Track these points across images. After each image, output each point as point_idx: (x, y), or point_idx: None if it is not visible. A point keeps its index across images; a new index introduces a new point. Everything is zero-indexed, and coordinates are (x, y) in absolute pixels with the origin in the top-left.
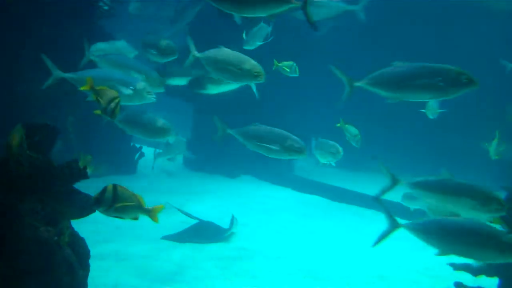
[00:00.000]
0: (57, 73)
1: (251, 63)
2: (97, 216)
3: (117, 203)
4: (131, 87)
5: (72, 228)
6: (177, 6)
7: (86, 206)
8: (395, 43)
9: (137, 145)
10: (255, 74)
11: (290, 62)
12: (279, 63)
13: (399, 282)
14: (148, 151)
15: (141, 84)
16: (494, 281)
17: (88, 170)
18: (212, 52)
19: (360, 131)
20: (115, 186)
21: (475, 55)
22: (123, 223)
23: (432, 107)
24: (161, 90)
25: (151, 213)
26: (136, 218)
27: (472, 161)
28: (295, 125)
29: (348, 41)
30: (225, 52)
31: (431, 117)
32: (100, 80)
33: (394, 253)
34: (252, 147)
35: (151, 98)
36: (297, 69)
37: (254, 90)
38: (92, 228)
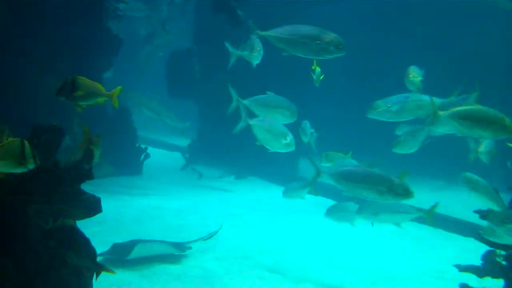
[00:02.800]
0: (237, 101)
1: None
2: (103, 216)
3: None
4: (289, 139)
5: (78, 229)
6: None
7: (91, 206)
8: (396, 43)
9: (143, 146)
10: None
11: (319, 70)
12: (314, 67)
13: (405, 282)
14: (153, 152)
15: (291, 137)
16: (500, 282)
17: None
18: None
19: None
20: None
21: (476, 55)
22: (129, 225)
23: (414, 71)
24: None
25: None
26: None
27: (478, 162)
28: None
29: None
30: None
31: (411, 88)
32: (265, 128)
33: (400, 254)
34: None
35: (292, 147)
36: (320, 79)
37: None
38: (98, 228)
